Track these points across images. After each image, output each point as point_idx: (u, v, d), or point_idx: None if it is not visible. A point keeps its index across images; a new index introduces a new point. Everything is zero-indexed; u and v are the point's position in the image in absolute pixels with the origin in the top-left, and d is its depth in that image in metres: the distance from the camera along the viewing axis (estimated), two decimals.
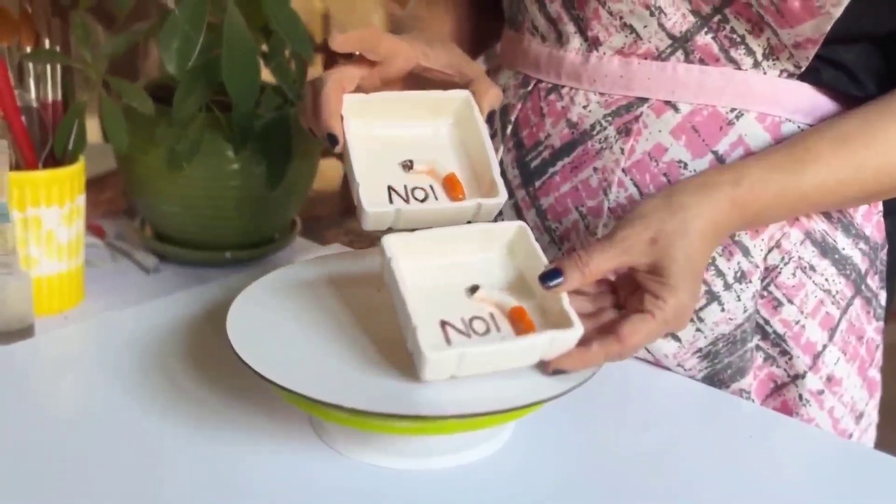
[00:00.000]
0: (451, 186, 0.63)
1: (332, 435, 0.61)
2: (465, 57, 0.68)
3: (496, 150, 0.78)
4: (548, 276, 0.59)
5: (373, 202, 0.60)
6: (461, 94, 0.65)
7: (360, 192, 0.60)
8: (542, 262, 0.60)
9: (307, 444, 0.62)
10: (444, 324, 0.58)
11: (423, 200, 0.62)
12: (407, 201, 0.61)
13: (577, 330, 0.57)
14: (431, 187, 0.63)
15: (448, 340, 0.57)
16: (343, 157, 0.62)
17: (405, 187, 0.62)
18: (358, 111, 0.63)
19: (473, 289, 0.61)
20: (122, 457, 0.59)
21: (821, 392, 0.72)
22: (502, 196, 0.62)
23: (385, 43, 0.64)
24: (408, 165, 0.63)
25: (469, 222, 0.63)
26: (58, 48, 0.79)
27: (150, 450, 0.60)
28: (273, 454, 0.60)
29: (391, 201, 0.61)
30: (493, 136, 0.79)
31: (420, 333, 0.55)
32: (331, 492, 0.58)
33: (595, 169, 0.72)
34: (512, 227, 0.62)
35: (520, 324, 0.59)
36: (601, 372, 0.60)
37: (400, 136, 0.65)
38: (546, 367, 0.58)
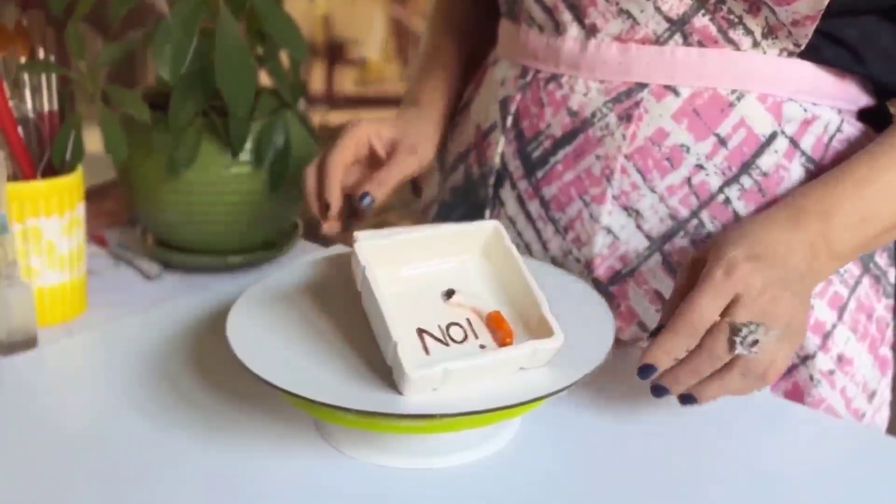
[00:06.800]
0: (496, 326, 0.58)
1: (337, 436, 0.61)
2: (420, 134, 0.81)
3: (497, 143, 0.78)
4: (643, 373, 0.59)
5: (414, 364, 0.54)
6: (488, 225, 0.61)
7: (398, 352, 0.54)
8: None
9: (312, 447, 0.61)
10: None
11: (461, 341, 0.58)
12: (447, 344, 0.57)
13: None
14: (469, 321, 0.59)
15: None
16: (366, 307, 0.59)
17: (439, 328, 0.58)
18: (379, 258, 0.59)
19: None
20: (127, 464, 0.59)
21: (832, 372, 0.72)
22: (558, 337, 0.56)
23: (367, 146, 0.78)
24: (449, 294, 0.60)
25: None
26: (53, 58, 0.79)
27: (155, 456, 0.60)
28: (279, 457, 0.60)
29: (426, 349, 0.57)
30: (493, 129, 0.79)
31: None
32: (337, 493, 0.57)
33: (597, 156, 0.72)
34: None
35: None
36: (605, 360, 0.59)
37: (428, 276, 0.61)
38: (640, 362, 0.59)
